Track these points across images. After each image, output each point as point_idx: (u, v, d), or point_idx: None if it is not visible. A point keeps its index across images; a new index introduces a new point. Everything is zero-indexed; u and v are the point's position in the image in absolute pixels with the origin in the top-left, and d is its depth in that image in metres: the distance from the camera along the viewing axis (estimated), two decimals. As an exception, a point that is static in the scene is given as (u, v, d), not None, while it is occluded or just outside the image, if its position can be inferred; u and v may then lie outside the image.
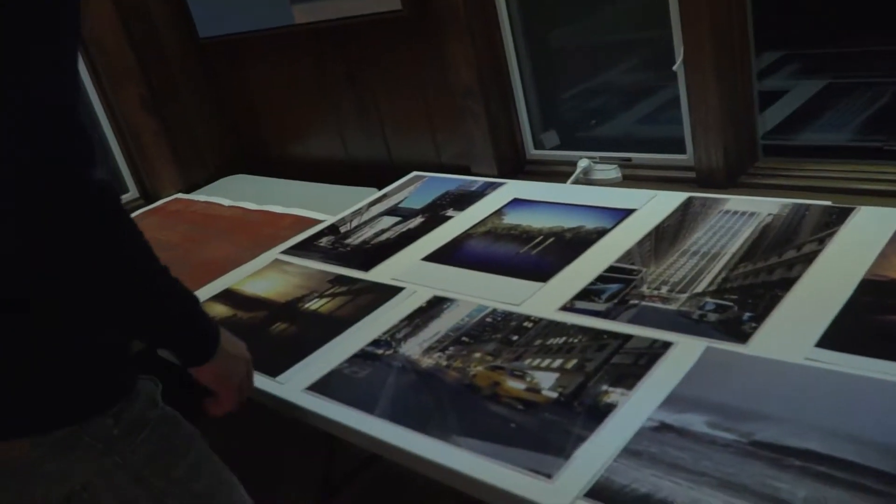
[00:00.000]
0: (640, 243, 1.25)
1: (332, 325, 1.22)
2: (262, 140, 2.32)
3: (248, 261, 1.58)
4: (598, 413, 0.88)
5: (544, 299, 1.16)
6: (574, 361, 0.98)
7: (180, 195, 2.22)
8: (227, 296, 1.43)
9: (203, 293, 1.45)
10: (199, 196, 2.16)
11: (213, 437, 0.94)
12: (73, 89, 0.71)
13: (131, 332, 0.87)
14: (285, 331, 1.26)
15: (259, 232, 1.79)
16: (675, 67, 1.38)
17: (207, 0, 2.10)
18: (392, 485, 1.63)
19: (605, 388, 0.92)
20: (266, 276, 1.48)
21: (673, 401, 0.87)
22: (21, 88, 0.67)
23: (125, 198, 2.24)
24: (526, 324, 1.10)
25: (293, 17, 1.88)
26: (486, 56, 1.65)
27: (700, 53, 1.31)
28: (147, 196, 2.26)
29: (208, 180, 2.30)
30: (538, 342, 1.05)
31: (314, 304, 1.32)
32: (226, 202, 2.04)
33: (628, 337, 1.01)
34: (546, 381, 0.96)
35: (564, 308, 1.12)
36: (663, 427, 0.83)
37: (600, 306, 1.10)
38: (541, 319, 1.10)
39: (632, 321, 1.04)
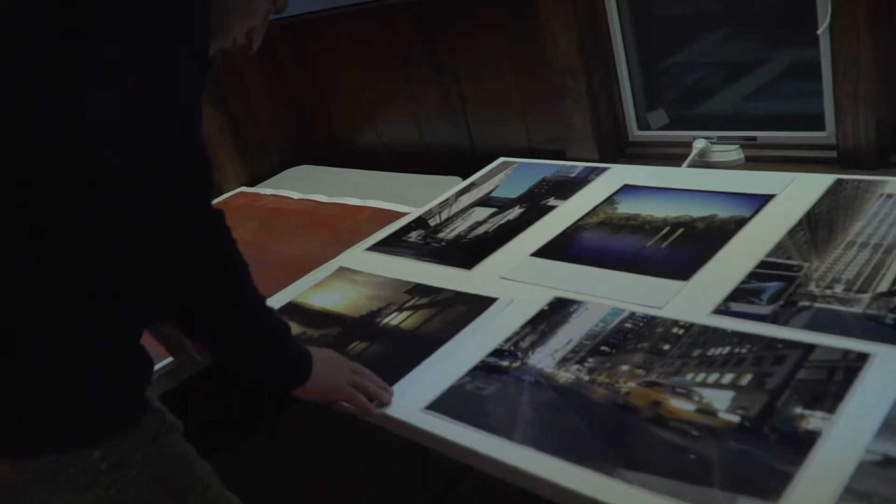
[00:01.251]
0: (792, 234, 1.09)
1: (420, 345, 1.06)
2: (327, 127, 2.20)
3: (332, 257, 1.46)
4: (800, 442, 0.73)
5: (691, 300, 1.01)
6: (749, 377, 0.84)
7: (244, 188, 2.10)
8: (292, 310, 1.28)
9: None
10: (264, 189, 2.05)
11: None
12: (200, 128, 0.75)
13: (222, 363, 0.92)
14: (366, 350, 1.10)
15: (336, 226, 1.67)
16: (819, 31, 1.21)
17: (270, -20, 1.97)
18: (490, 496, 1.51)
19: (799, 410, 0.77)
20: (332, 286, 1.33)
21: (892, 427, 0.72)
22: (164, 129, 0.71)
23: (189, 192, 2.13)
24: (675, 330, 0.96)
25: (367, -7, 1.74)
26: (589, 27, 1.49)
27: (853, 13, 1.14)
28: (211, 190, 2.15)
29: (272, 172, 2.18)
30: (697, 352, 0.90)
31: (394, 319, 1.16)
32: (295, 195, 1.92)
33: (810, 347, 0.85)
34: (720, 402, 0.81)
35: (718, 311, 0.97)
36: (889, 462, 0.69)
37: (763, 309, 0.95)
38: (692, 325, 0.96)
39: (808, 327, 0.89)
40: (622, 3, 1.49)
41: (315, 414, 1.06)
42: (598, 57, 1.52)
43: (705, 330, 0.94)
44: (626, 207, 1.32)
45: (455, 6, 1.66)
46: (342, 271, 1.38)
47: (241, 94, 2.13)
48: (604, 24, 1.50)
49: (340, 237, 1.58)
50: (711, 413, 0.80)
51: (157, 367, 1.14)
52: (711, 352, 0.90)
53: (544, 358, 0.97)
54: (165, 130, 0.71)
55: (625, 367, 0.91)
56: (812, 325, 0.89)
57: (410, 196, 1.69)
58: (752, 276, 1.02)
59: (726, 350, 0.89)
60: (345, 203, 1.78)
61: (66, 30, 0.67)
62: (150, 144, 0.70)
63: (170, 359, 1.15)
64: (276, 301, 1.32)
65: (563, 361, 0.96)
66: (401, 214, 1.60)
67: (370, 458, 1.44)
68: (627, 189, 1.38)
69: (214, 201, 2.10)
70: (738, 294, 0.99)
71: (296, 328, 1.21)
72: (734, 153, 1.43)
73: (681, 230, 1.19)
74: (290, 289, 1.36)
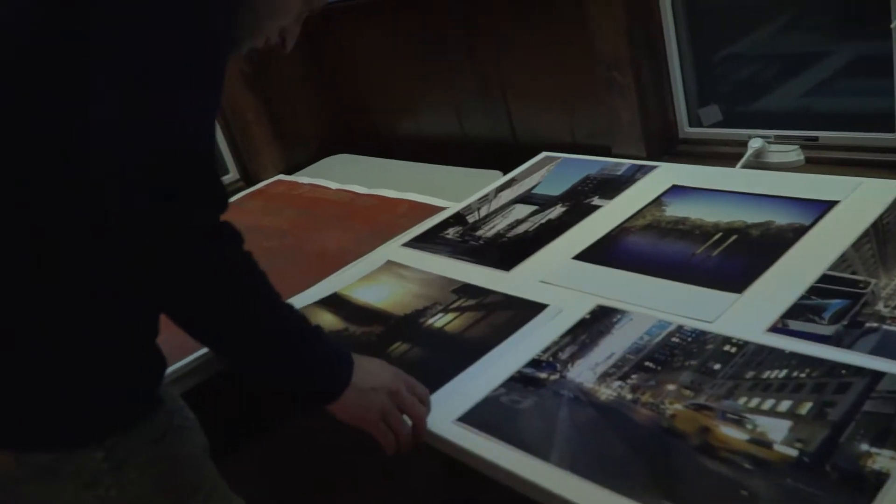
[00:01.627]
0: (857, 245, 1.01)
1: (464, 351, 1.01)
2: (366, 116, 2.16)
3: (367, 252, 1.42)
4: (865, 484, 0.67)
5: (744, 315, 0.94)
6: (808, 405, 0.77)
7: (282, 177, 2.08)
8: (336, 302, 1.24)
9: (307, 297, 1.27)
10: (302, 178, 2.02)
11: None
12: (212, 136, 0.74)
13: (242, 372, 0.88)
14: (407, 353, 1.06)
15: (373, 219, 1.63)
16: (893, 25, 1.12)
17: (311, -36, 1.93)
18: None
19: (864, 447, 0.70)
20: (379, 279, 1.30)
21: (971, 472, 0.65)
22: (166, 130, 0.69)
23: (226, 180, 2.12)
24: (727, 348, 0.89)
25: (409, -21, 1.69)
26: (638, 16, 1.41)
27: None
28: (248, 178, 2.13)
29: (310, 160, 2.15)
30: (750, 374, 0.84)
31: (439, 321, 1.11)
32: (332, 185, 1.88)
33: (878, 375, 0.78)
34: (776, 432, 0.75)
35: (775, 329, 0.90)
36: (968, 512, 0.62)
37: (825, 329, 0.88)
38: (746, 343, 0.89)
39: (875, 352, 0.82)
40: (676, -9, 1.41)
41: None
42: (648, 48, 1.44)
43: (760, 349, 0.87)
44: (674, 210, 1.25)
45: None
46: (390, 265, 1.34)
47: (280, 80, 2.10)
48: (655, 13, 1.42)
49: (377, 230, 1.54)
50: (766, 444, 0.74)
51: (183, 362, 1.13)
52: (766, 374, 0.83)
53: (584, 371, 0.92)
54: (167, 131, 0.69)
55: (671, 387, 0.85)
56: (880, 350, 0.82)
57: (449, 190, 1.65)
58: (813, 291, 0.95)
59: (783, 373, 0.83)
60: (382, 195, 1.74)
61: (66, 29, 0.65)
62: (150, 145, 0.68)
63: (195, 355, 1.12)
64: (320, 290, 1.29)
65: (605, 376, 0.90)
66: (438, 209, 1.56)
67: (398, 462, 1.41)
68: (676, 190, 1.31)
69: (251, 189, 2.07)
70: (797, 311, 0.92)
71: (339, 323, 1.18)
72: (793, 154, 1.35)
73: (734, 237, 1.12)
74: (335, 278, 1.33)
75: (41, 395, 0.75)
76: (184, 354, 1.13)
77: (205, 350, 1.13)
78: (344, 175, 1.94)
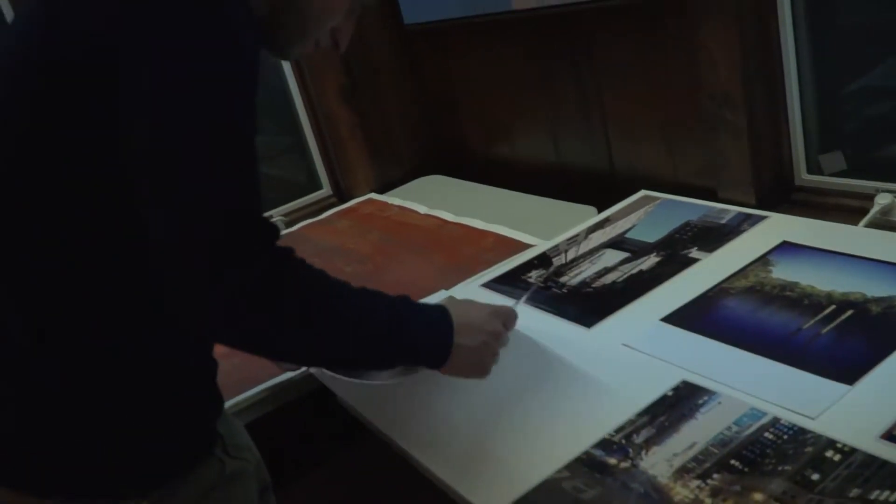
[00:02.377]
0: None
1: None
2: (462, 137, 2.11)
3: (444, 288, 1.37)
4: None
5: (854, 414, 0.82)
6: (925, 545, 0.65)
7: (374, 195, 2.06)
8: None
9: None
10: (393, 198, 1.99)
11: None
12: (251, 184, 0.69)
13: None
14: None
15: (457, 251, 1.57)
16: None
17: (416, -19, 1.90)
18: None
19: None
20: None
21: None
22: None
23: (318, 195, 2.12)
24: (830, 453, 0.77)
25: (510, 1, 1.62)
26: (755, 52, 1.28)
27: None
28: (340, 194, 2.13)
29: (403, 180, 2.12)
30: (855, 492, 0.72)
31: None
32: (421, 209, 1.84)
33: None
34: (881, 575, 0.63)
35: (890, 436, 0.77)
36: None
37: (953, 444, 0.74)
38: (853, 450, 0.77)
39: None
40: (800, 15, 1.26)
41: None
42: (764, 80, 1.31)
43: (870, 461, 0.75)
44: (782, 272, 1.12)
45: (603, 19, 1.50)
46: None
47: (377, 96, 2.08)
48: (774, 41, 1.29)
49: (459, 264, 1.49)
50: (867, 590, 0.63)
51: (252, 392, 1.12)
52: (875, 495, 0.71)
53: (659, 462, 0.82)
54: (205, 179, 0.65)
55: (758, 496, 0.75)
56: None
57: (539, 224, 1.57)
58: (941, 392, 0.81)
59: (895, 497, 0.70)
60: (469, 225, 1.69)
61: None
62: (187, 194, 0.65)
63: (263, 385, 1.11)
64: None
65: (682, 472, 0.80)
66: (525, 245, 1.49)
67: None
68: (787, 248, 1.18)
69: (342, 206, 2.06)
70: (919, 416, 0.79)
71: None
72: (929, 214, 1.19)
73: (849, 312, 0.98)
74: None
75: (84, 444, 0.73)
76: (253, 384, 1.12)
77: (273, 382, 1.13)
78: (435, 198, 1.89)
